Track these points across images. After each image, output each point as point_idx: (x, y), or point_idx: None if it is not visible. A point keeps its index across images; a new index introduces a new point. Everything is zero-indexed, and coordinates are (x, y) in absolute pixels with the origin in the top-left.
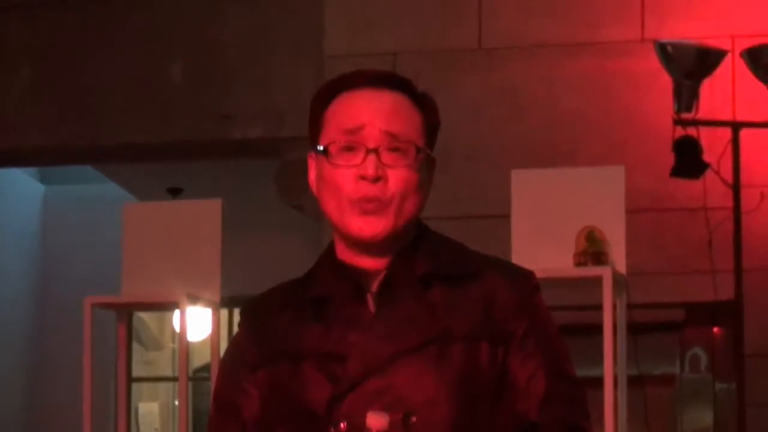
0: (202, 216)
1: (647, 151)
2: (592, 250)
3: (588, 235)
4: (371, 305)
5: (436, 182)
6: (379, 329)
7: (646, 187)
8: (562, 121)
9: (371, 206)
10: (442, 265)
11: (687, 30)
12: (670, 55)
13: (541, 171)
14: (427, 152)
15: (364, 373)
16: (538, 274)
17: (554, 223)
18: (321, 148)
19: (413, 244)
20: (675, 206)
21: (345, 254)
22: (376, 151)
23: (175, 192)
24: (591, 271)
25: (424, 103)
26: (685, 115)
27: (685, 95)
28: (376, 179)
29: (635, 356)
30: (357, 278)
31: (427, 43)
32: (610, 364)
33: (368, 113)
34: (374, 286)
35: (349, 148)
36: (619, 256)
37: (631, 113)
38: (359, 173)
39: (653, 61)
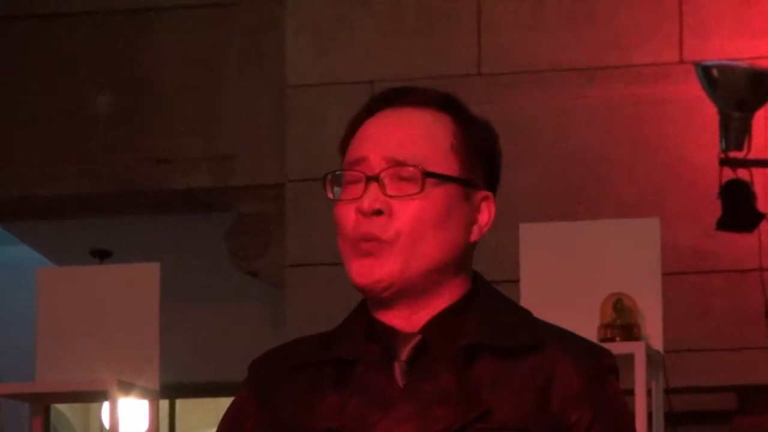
0: (136, 284)
1: (688, 198)
2: (621, 322)
3: (615, 304)
4: (398, 377)
5: None
6: (405, 408)
7: (687, 244)
8: (580, 162)
9: (369, 246)
10: (495, 334)
11: (735, 49)
12: (716, 80)
13: (555, 225)
14: (450, 178)
15: None
16: None
17: (573, 289)
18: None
19: (461, 303)
20: (723, 267)
21: (373, 311)
22: (376, 179)
23: (102, 255)
24: (620, 347)
25: (468, 123)
26: (734, 154)
27: (734, 130)
28: (375, 212)
29: None
30: (386, 340)
31: (412, 68)
32: None
33: (373, 140)
34: (404, 352)
35: (353, 181)
36: (654, 330)
37: (667, 152)
38: (357, 207)
39: (694, 88)
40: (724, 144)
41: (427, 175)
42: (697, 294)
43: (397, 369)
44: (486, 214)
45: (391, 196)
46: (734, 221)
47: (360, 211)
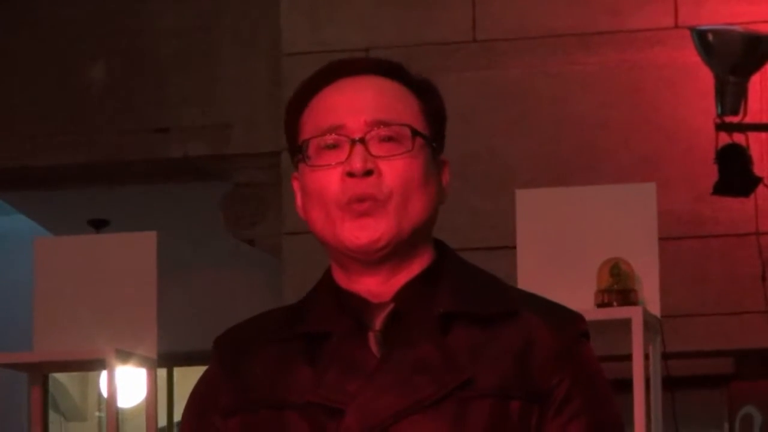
0: (133, 252)
1: (684, 164)
2: (618, 287)
3: (612, 269)
4: (374, 346)
5: None
6: (385, 378)
7: (684, 209)
8: (576, 128)
9: (365, 206)
10: (469, 302)
11: (731, 13)
12: (711, 44)
13: (552, 191)
14: (428, 139)
15: None
16: None
17: (570, 254)
18: (299, 152)
19: (430, 270)
20: (719, 231)
21: (342, 281)
22: (362, 141)
23: (99, 224)
24: (617, 312)
25: (421, 89)
26: (731, 119)
27: (730, 94)
28: (367, 173)
29: (673, 417)
30: (357, 311)
31: (407, 35)
32: (642, 427)
33: (348, 107)
34: (378, 322)
35: (331, 146)
36: (651, 294)
37: (663, 118)
38: (345, 170)
39: (690, 53)
40: (719, 109)
41: (415, 134)
42: (694, 259)
43: (372, 339)
44: (446, 179)
45: (378, 157)
46: (730, 186)
47: (351, 173)
